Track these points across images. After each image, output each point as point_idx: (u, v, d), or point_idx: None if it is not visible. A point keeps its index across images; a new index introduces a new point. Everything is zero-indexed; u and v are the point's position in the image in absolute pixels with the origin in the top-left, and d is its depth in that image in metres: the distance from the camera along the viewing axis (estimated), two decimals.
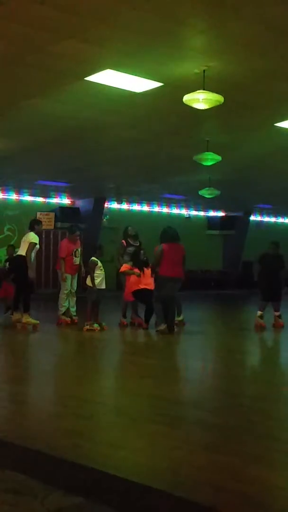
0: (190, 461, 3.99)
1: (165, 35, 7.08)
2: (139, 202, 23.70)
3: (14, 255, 12.05)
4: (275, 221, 28.73)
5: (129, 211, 23.80)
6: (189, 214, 25.56)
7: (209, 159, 11.84)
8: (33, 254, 10.99)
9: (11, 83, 8.95)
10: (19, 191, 20.61)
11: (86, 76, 8.54)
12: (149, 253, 11.53)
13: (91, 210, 21.80)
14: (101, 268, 10.97)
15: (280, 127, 11.28)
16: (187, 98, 8.26)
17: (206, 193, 15.77)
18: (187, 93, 8.22)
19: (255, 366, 8.46)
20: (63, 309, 11.64)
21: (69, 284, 11.63)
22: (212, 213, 26.36)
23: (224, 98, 8.30)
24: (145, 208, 24.20)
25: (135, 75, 8.46)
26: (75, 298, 11.80)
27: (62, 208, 21.46)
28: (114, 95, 9.36)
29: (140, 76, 8.52)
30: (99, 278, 10.89)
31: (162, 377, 7.08)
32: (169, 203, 23.97)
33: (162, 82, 8.76)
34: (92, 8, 6.37)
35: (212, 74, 8.11)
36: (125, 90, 9.06)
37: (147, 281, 11.36)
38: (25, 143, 12.77)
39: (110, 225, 22.22)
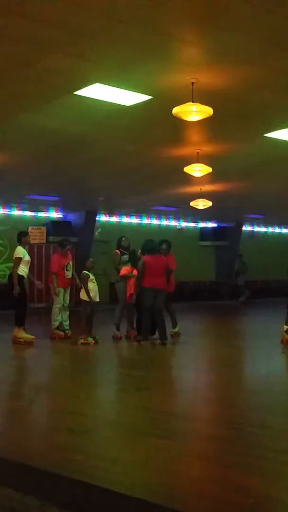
0: (186, 474, 3.98)
1: (153, 48, 7.11)
2: (131, 214, 23.71)
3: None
4: (267, 231, 28.80)
5: (120, 223, 23.80)
6: (181, 226, 25.59)
7: (200, 170, 11.88)
8: (25, 269, 10.95)
9: (0, 98, 8.96)
10: (9, 206, 20.59)
11: (75, 90, 8.56)
12: None
13: (82, 223, 21.79)
14: (93, 281, 10.97)
15: (270, 137, 11.33)
16: (176, 111, 8.29)
17: (198, 204, 15.79)
18: (177, 105, 8.25)
19: (249, 377, 8.45)
20: (56, 323, 11.61)
21: (62, 298, 11.61)
22: (204, 224, 26.41)
23: (214, 110, 8.34)
24: (137, 220, 24.21)
25: (125, 88, 8.49)
26: (67, 312, 11.77)
27: (53, 222, 21.44)
28: (104, 108, 9.39)
29: (130, 90, 8.55)
30: (92, 291, 10.88)
31: (156, 390, 7.06)
32: (160, 215, 24.00)
33: (151, 95, 8.79)
34: (80, 22, 6.39)
35: (201, 86, 8.14)
36: (114, 103, 9.09)
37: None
38: (15, 158, 12.77)
39: (102, 238, 22.21)
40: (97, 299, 11.03)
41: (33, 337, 10.84)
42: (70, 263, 11.84)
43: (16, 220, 20.91)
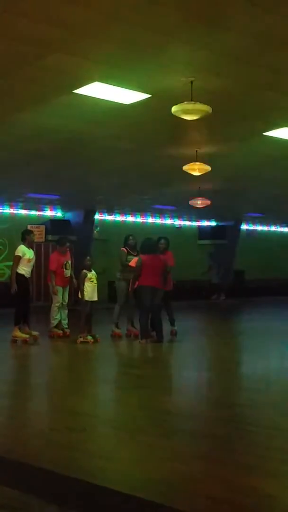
0: (184, 472, 3.99)
1: (152, 47, 7.12)
2: (130, 213, 23.72)
3: None
4: (266, 230, 28.83)
5: (119, 222, 23.81)
6: (180, 224, 25.61)
7: (199, 169, 11.88)
8: (25, 267, 10.92)
9: (0, 97, 8.96)
10: (8, 204, 20.59)
11: (74, 89, 8.56)
12: None
13: (81, 222, 21.80)
14: (92, 279, 10.96)
15: (268, 136, 11.34)
16: (175, 109, 8.29)
17: (196, 203, 15.78)
18: (176, 104, 8.26)
19: (247, 375, 8.46)
20: (55, 322, 11.59)
21: (61, 296, 11.60)
22: (203, 223, 26.42)
23: (212, 109, 8.34)
24: (136, 219, 24.21)
25: (123, 87, 8.49)
26: (66, 311, 11.76)
27: (52, 221, 21.45)
28: (103, 107, 9.39)
29: (128, 88, 8.55)
30: (89, 289, 10.88)
31: (154, 388, 7.07)
32: (159, 213, 24.01)
33: (150, 94, 8.79)
34: (79, 21, 6.40)
35: (200, 85, 8.15)
36: (113, 102, 9.09)
37: None
38: (14, 156, 12.77)
39: (101, 237, 22.23)
40: (95, 298, 11.02)
41: (27, 336, 10.79)
42: (69, 261, 11.84)
43: (15, 219, 20.92)
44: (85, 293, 10.86)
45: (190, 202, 15.92)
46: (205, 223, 26.36)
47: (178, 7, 6.12)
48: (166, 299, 11.45)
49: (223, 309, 21.71)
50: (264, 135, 11.28)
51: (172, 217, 24.80)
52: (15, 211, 21.09)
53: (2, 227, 20.63)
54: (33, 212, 21.55)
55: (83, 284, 10.88)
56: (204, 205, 15.90)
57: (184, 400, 6.65)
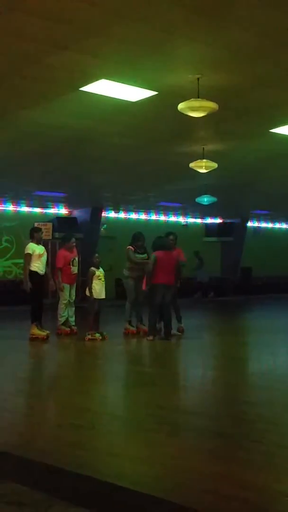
0: (191, 469, 3.99)
1: (159, 44, 7.11)
2: (136, 210, 23.71)
3: None
4: (272, 227, 28.78)
5: (126, 219, 23.82)
6: (186, 222, 25.58)
7: (205, 166, 11.86)
8: (37, 264, 10.91)
9: (6, 94, 8.97)
10: (16, 202, 20.62)
11: (81, 87, 8.56)
12: None
13: (88, 219, 21.81)
14: (100, 277, 10.94)
15: (275, 133, 11.31)
16: (182, 106, 8.28)
17: (203, 200, 15.78)
18: (182, 101, 8.25)
19: (254, 372, 8.45)
20: (62, 319, 11.60)
21: (68, 294, 11.60)
22: (209, 220, 26.40)
23: (219, 106, 8.33)
24: (142, 216, 24.20)
25: (130, 84, 8.48)
26: (73, 308, 11.76)
27: (59, 218, 21.47)
28: (109, 104, 9.39)
29: (135, 85, 8.55)
30: (97, 287, 10.86)
31: (162, 386, 7.08)
32: (166, 211, 23.99)
33: (157, 91, 8.78)
34: (86, 19, 6.40)
35: (207, 81, 8.14)
36: (120, 99, 9.09)
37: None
38: (21, 154, 12.79)
39: (108, 234, 22.23)
40: (103, 296, 11.00)
41: (44, 333, 10.79)
42: (76, 258, 11.82)
43: (22, 216, 20.96)
44: (93, 291, 10.84)
45: (197, 199, 15.92)
46: (212, 220, 26.33)
47: (185, 4, 6.11)
48: (173, 297, 11.45)
49: (229, 306, 21.69)
50: (271, 132, 11.25)
51: (178, 214, 24.76)
52: (22, 209, 21.13)
53: (9, 225, 20.67)
54: (40, 210, 21.58)
55: (91, 282, 10.86)
56: (211, 203, 15.89)
57: (192, 397, 6.66)
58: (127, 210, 23.54)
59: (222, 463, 4.10)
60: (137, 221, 23.85)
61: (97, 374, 8.17)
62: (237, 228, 25.86)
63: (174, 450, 4.42)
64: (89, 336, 10.74)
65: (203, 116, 8.54)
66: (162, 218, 24.75)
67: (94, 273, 10.86)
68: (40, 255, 11.02)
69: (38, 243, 11.18)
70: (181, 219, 25.42)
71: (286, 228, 29.33)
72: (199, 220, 26.19)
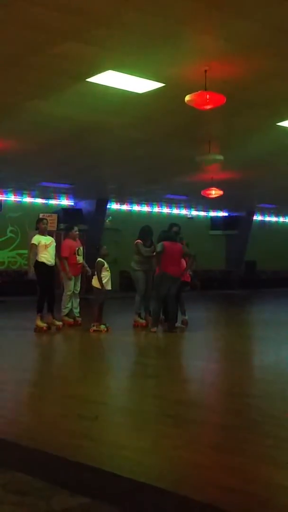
0: (194, 461, 3.99)
1: (166, 36, 7.09)
2: (142, 203, 23.71)
3: None
4: (278, 221, 28.73)
5: (131, 212, 23.81)
6: (191, 215, 25.56)
7: (212, 159, 11.84)
8: (44, 254, 10.84)
9: (13, 85, 8.97)
10: (21, 193, 20.63)
11: (87, 77, 8.55)
12: None
13: (93, 211, 21.81)
14: (107, 269, 10.93)
15: (282, 126, 11.28)
16: (189, 99, 8.26)
17: (209, 193, 15.70)
18: (189, 93, 8.22)
19: (259, 365, 8.45)
20: (66, 310, 11.59)
21: (72, 285, 11.59)
22: (214, 213, 26.37)
23: (226, 98, 8.31)
24: (148, 209, 24.19)
25: (137, 76, 8.47)
26: (78, 299, 11.76)
27: (64, 210, 21.48)
28: (116, 96, 9.37)
29: (142, 77, 8.53)
30: (105, 279, 10.84)
31: (166, 377, 7.08)
32: (171, 203, 23.97)
33: (164, 83, 8.76)
34: (93, 9, 6.38)
35: (214, 74, 8.11)
36: (126, 91, 9.07)
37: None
38: (27, 145, 12.79)
39: (113, 226, 22.24)
40: (109, 287, 10.99)
41: (44, 325, 10.77)
42: (81, 248, 11.77)
43: (27, 207, 20.98)
44: (104, 281, 10.80)
45: (203, 192, 15.90)
46: (217, 213, 26.30)
47: None
48: (178, 289, 11.45)
49: (234, 299, 21.69)
50: (278, 125, 11.22)
51: (184, 207, 24.73)
52: (27, 200, 21.14)
53: (14, 216, 20.69)
54: (46, 201, 21.58)
55: (101, 273, 10.82)
56: (217, 195, 15.87)
57: (196, 389, 6.66)
58: (132, 203, 23.53)
59: (226, 456, 4.10)
60: (142, 214, 23.85)
61: (101, 365, 8.18)
62: (242, 222, 25.83)
63: (178, 441, 4.42)
64: (94, 328, 10.74)
65: (210, 109, 8.52)
66: (167, 210, 24.72)
67: (103, 265, 10.83)
68: (46, 246, 10.92)
69: (43, 233, 11.15)
70: (186, 212, 25.38)
71: None
72: (204, 213, 26.16)
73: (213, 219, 26.51)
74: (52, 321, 10.91)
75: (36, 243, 10.87)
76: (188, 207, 24.74)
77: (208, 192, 15.72)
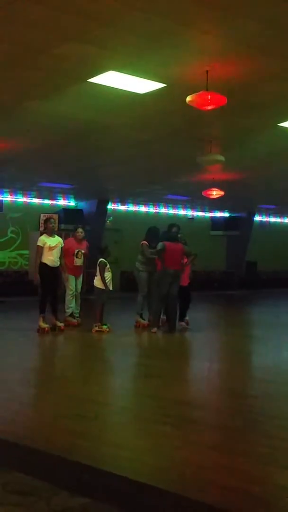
0: (194, 461, 4.00)
1: (168, 36, 7.08)
2: (143, 203, 23.69)
3: None
4: (279, 222, 28.70)
5: (132, 212, 23.80)
6: (192, 215, 25.55)
7: (213, 159, 11.83)
8: (48, 256, 10.76)
9: (14, 85, 8.96)
10: (22, 193, 20.61)
11: (89, 78, 8.54)
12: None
13: (94, 211, 21.81)
14: (109, 269, 10.93)
15: (284, 127, 11.26)
16: (190, 99, 8.25)
17: (210, 194, 15.68)
18: (191, 93, 8.21)
19: (259, 366, 8.45)
20: (69, 311, 11.56)
21: (73, 285, 11.57)
22: (215, 214, 26.36)
23: (228, 99, 8.30)
24: (148, 209, 24.17)
25: (138, 76, 8.46)
26: (79, 300, 11.74)
27: (65, 210, 21.46)
28: (117, 96, 9.36)
29: (143, 77, 8.52)
30: (107, 279, 10.83)
31: (166, 378, 7.09)
32: (172, 204, 23.95)
33: (165, 83, 8.75)
34: (94, 9, 6.37)
35: (216, 74, 8.10)
36: (128, 91, 9.06)
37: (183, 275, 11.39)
38: (28, 145, 12.78)
39: (114, 226, 22.23)
40: (111, 287, 10.98)
41: (46, 326, 10.70)
42: (82, 251, 11.70)
43: (28, 208, 20.96)
44: (106, 282, 10.79)
45: (204, 193, 15.89)
46: (218, 214, 26.29)
47: None
48: (185, 290, 11.48)
49: (234, 300, 21.68)
50: (279, 125, 11.21)
51: (185, 207, 24.71)
52: (28, 200, 21.13)
53: (15, 216, 20.68)
54: (46, 201, 21.57)
55: (103, 273, 10.80)
56: (218, 196, 15.86)
57: (196, 390, 6.66)
58: (133, 203, 23.52)
59: (227, 456, 4.10)
60: (143, 214, 23.83)
61: (102, 366, 8.19)
62: (243, 222, 25.82)
63: (178, 442, 4.42)
64: (96, 328, 10.74)
65: (211, 109, 8.51)
66: (168, 211, 24.70)
67: (106, 265, 10.82)
68: (51, 248, 10.76)
69: (50, 234, 11.05)
70: (188, 212, 25.36)
71: None
72: (205, 214, 26.14)
73: (213, 219, 26.50)
74: (55, 322, 10.87)
75: (42, 245, 10.74)
76: (189, 207, 24.71)
77: (209, 192, 15.70)
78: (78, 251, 11.58)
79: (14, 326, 12.04)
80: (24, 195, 20.74)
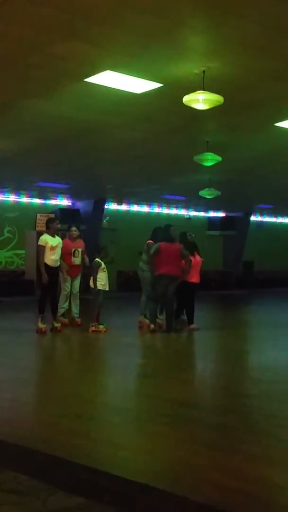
0: (191, 461, 3.99)
1: (164, 36, 7.08)
2: (139, 203, 23.69)
3: None
4: (275, 221, 28.73)
5: (128, 212, 23.80)
6: (189, 215, 25.55)
7: (209, 159, 11.83)
8: (51, 256, 10.63)
9: (11, 84, 8.95)
10: (18, 193, 20.60)
11: (85, 77, 8.53)
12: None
13: (91, 211, 21.80)
14: (105, 269, 10.90)
15: (280, 127, 11.28)
16: (187, 99, 8.26)
17: (206, 193, 15.75)
18: (187, 93, 8.22)
19: (256, 366, 8.45)
20: (61, 311, 11.48)
21: (69, 285, 11.53)
22: (212, 214, 26.36)
23: (224, 98, 8.30)
24: (145, 209, 24.17)
25: (135, 76, 8.46)
26: (78, 300, 11.69)
27: (62, 210, 21.44)
28: (114, 96, 9.36)
29: (140, 77, 8.52)
30: (103, 279, 10.80)
31: (163, 377, 7.08)
32: (169, 204, 23.95)
33: (162, 83, 8.76)
34: (92, 9, 6.37)
35: (212, 74, 8.11)
36: (124, 91, 9.06)
37: (191, 273, 11.31)
38: (25, 144, 12.77)
39: (110, 226, 22.23)
40: (107, 288, 10.95)
41: (43, 326, 10.65)
42: (79, 249, 11.67)
43: (24, 207, 20.95)
44: (101, 282, 10.76)
45: (200, 193, 15.90)
46: (215, 214, 26.30)
47: None
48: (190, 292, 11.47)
49: (231, 300, 21.69)
50: (275, 125, 11.22)
51: (181, 207, 24.72)
52: (24, 200, 21.11)
53: (12, 216, 20.66)
54: (43, 201, 21.55)
55: (97, 274, 10.77)
56: (214, 196, 15.87)
57: (193, 389, 6.66)
58: (129, 203, 23.52)
59: (224, 456, 4.10)
60: (140, 214, 23.83)
61: (98, 365, 8.18)
62: (239, 222, 25.83)
63: (175, 441, 4.42)
64: (93, 328, 10.73)
65: (208, 109, 8.51)
66: (165, 211, 24.70)
67: (100, 265, 10.80)
68: (52, 247, 10.66)
69: (52, 234, 10.90)
70: (184, 212, 25.37)
71: None
72: (202, 214, 26.15)
73: (210, 219, 26.51)
74: (53, 322, 10.84)
75: (44, 244, 10.64)
76: (186, 207, 24.72)
77: (205, 192, 15.72)
78: (74, 250, 11.56)
79: (10, 326, 12.02)
80: (21, 194, 20.73)
